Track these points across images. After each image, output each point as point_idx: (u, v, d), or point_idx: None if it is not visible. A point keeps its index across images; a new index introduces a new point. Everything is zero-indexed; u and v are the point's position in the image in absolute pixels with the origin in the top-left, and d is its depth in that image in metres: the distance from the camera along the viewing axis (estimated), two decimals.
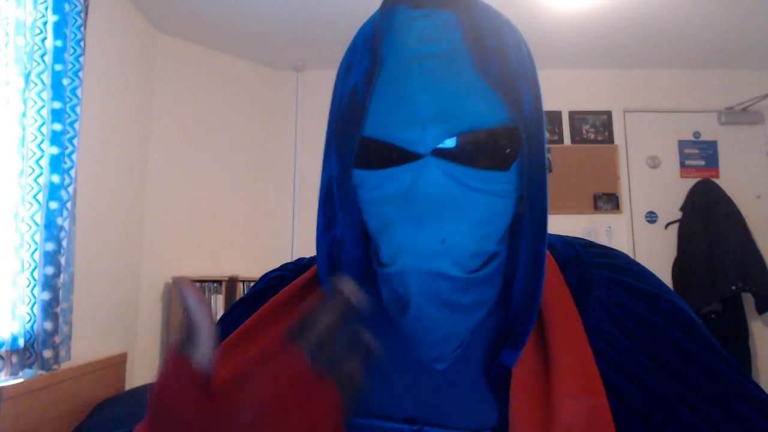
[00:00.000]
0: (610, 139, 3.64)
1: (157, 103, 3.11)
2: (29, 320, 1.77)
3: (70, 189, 1.96)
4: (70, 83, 1.99)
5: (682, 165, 3.61)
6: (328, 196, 0.52)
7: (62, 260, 1.88)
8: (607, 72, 3.70)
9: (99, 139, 2.48)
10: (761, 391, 0.50)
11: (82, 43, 2.06)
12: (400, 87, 0.47)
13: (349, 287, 0.41)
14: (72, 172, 1.98)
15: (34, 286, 1.79)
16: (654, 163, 3.62)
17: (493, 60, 0.47)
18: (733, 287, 3.15)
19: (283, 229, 3.53)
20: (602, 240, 3.48)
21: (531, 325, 0.48)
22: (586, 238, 0.60)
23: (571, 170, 3.56)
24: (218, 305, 3.00)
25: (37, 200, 1.82)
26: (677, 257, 3.45)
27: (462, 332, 0.50)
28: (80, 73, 2.03)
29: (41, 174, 1.83)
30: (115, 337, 2.67)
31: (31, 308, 1.78)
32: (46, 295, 1.80)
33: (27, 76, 1.82)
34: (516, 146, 0.48)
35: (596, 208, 3.54)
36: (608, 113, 3.67)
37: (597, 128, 3.66)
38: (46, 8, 1.89)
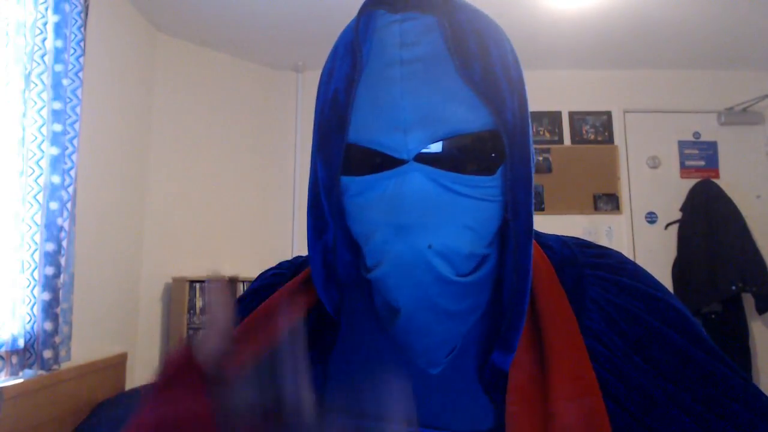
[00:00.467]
0: (610, 140, 3.64)
1: (157, 103, 3.11)
2: (29, 320, 1.78)
3: (70, 189, 1.96)
4: (71, 84, 1.99)
5: (682, 165, 3.61)
6: (315, 203, 0.52)
7: (62, 260, 1.88)
8: (607, 72, 3.70)
9: (99, 140, 2.48)
10: (757, 391, 0.49)
11: (82, 44, 2.06)
12: (381, 92, 0.46)
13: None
14: (72, 173, 1.98)
15: (34, 286, 1.79)
16: (654, 164, 3.62)
17: (475, 64, 0.46)
18: (733, 287, 3.15)
19: (283, 229, 3.53)
20: (602, 240, 3.48)
21: (519, 330, 0.48)
22: (586, 238, 0.60)
23: (571, 170, 3.56)
24: None
25: (37, 200, 1.82)
26: (677, 257, 3.45)
27: (454, 337, 0.50)
28: (80, 74, 2.03)
29: (41, 174, 1.83)
30: (115, 337, 2.67)
31: (31, 308, 1.78)
32: (46, 296, 1.80)
33: (27, 77, 1.82)
34: (501, 151, 0.47)
35: (596, 209, 3.54)
36: (608, 113, 3.67)
37: (597, 128, 3.66)
38: (47, 9, 1.89)
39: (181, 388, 0.43)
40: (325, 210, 0.51)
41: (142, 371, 2.87)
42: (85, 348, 2.25)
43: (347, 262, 0.54)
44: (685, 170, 3.60)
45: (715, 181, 3.52)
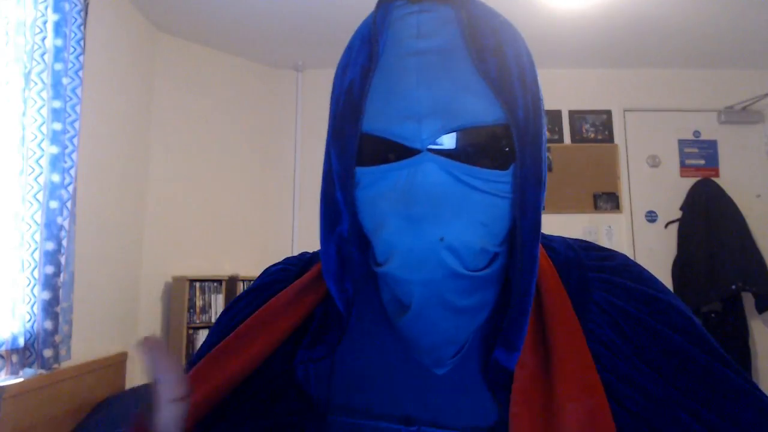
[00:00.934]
0: (610, 139, 3.64)
1: (157, 102, 3.11)
2: (29, 319, 1.78)
3: (70, 188, 1.96)
4: (70, 82, 1.99)
5: (682, 164, 3.60)
6: (328, 194, 0.51)
7: (62, 259, 1.88)
8: (607, 71, 3.70)
9: (99, 138, 2.48)
10: (759, 391, 0.49)
11: (82, 42, 2.06)
12: (396, 82, 0.46)
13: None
14: (72, 171, 1.98)
15: (34, 285, 1.79)
16: (654, 163, 3.62)
17: (490, 58, 0.46)
18: (733, 286, 3.14)
19: (283, 228, 3.53)
20: (602, 239, 3.49)
21: (522, 328, 0.47)
22: (585, 237, 0.60)
23: (571, 169, 3.56)
24: (218, 304, 3.00)
25: (37, 199, 1.82)
26: (677, 256, 3.45)
27: (461, 337, 0.50)
28: (80, 72, 2.03)
29: (41, 173, 1.83)
30: (115, 336, 2.67)
31: (32, 307, 1.78)
32: (46, 295, 1.80)
33: (27, 75, 1.82)
34: (513, 146, 0.47)
35: (596, 208, 3.54)
36: (608, 112, 3.67)
37: (597, 127, 3.66)
38: (46, 7, 1.89)
39: None
40: (340, 200, 0.50)
41: (142, 370, 2.87)
42: (85, 347, 2.25)
43: (358, 254, 0.54)
44: (685, 169, 3.60)
45: (715, 180, 3.52)
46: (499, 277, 0.51)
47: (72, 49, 2.01)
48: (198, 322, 2.93)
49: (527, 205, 0.47)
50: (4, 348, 1.68)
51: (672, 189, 3.55)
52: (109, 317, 2.60)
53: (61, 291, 1.87)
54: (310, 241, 3.35)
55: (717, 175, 3.57)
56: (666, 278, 3.43)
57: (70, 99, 1.99)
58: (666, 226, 3.53)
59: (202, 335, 2.93)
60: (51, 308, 1.81)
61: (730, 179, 3.52)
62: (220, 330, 0.61)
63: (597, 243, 0.60)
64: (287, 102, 3.65)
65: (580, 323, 0.50)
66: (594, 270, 0.54)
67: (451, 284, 0.46)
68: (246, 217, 3.44)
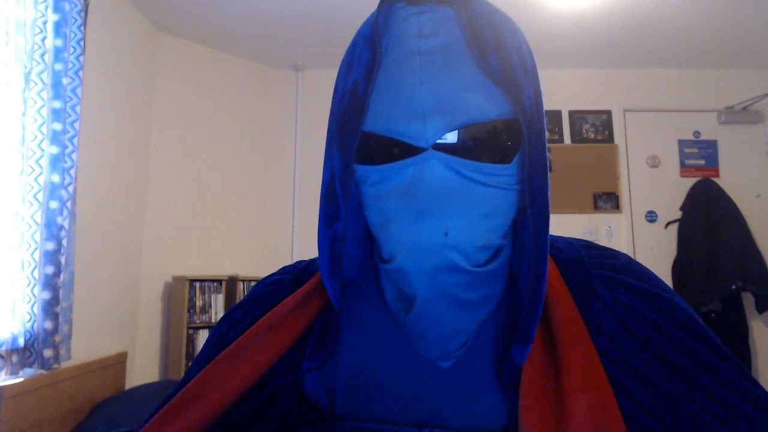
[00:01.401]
0: (610, 139, 3.64)
1: (157, 102, 3.11)
2: (29, 319, 1.78)
3: (70, 188, 1.96)
4: (70, 82, 1.99)
5: (682, 164, 3.61)
6: (329, 192, 0.52)
7: (62, 259, 1.88)
8: (607, 71, 3.70)
9: (99, 139, 2.48)
10: (759, 388, 0.50)
11: (82, 43, 2.06)
12: (400, 81, 0.47)
13: None
14: (72, 172, 1.98)
15: (34, 285, 1.79)
16: (654, 163, 3.62)
17: (492, 54, 0.47)
18: (733, 286, 3.15)
19: (283, 228, 3.53)
20: (602, 239, 3.49)
21: (537, 318, 0.48)
22: (586, 237, 0.61)
23: (571, 170, 3.56)
24: (218, 305, 3.00)
25: (37, 199, 1.82)
26: (677, 256, 3.45)
27: (468, 329, 0.50)
28: (80, 73, 2.03)
29: (41, 173, 1.83)
30: (115, 336, 2.67)
31: (32, 307, 1.78)
32: (46, 295, 1.80)
33: (27, 76, 1.82)
34: (517, 139, 0.48)
35: (596, 208, 3.54)
36: (608, 113, 3.67)
37: (597, 128, 3.66)
38: (46, 7, 1.89)
39: None
40: (339, 196, 0.51)
41: (142, 370, 2.87)
42: (85, 347, 2.25)
43: (354, 253, 0.54)
44: (685, 169, 3.60)
45: (715, 180, 3.52)
46: (505, 271, 0.52)
47: (72, 50, 2.01)
48: (198, 322, 2.93)
49: (536, 192, 0.48)
50: (4, 348, 1.68)
51: (672, 189, 3.55)
52: (109, 317, 2.60)
53: (61, 291, 1.87)
54: (310, 241, 3.35)
55: (717, 175, 3.57)
56: (666, 278, 3.43)
57: (70, 99, 1.99)
58: (666, 226, 3.53)
59: (202, 335, 2.93)
60: (51, 308, 1.81)
61: (730, 179, 3.52)
62: (216, 342, 0.61)
63: (597, 243, 0.60)
64: (287, 102, 3.65)
65: (585, 319, 0.51)
66: (597, 268, 0.55)
67: (455, 278, 0.47)
68: (246, 217, 3.44)
